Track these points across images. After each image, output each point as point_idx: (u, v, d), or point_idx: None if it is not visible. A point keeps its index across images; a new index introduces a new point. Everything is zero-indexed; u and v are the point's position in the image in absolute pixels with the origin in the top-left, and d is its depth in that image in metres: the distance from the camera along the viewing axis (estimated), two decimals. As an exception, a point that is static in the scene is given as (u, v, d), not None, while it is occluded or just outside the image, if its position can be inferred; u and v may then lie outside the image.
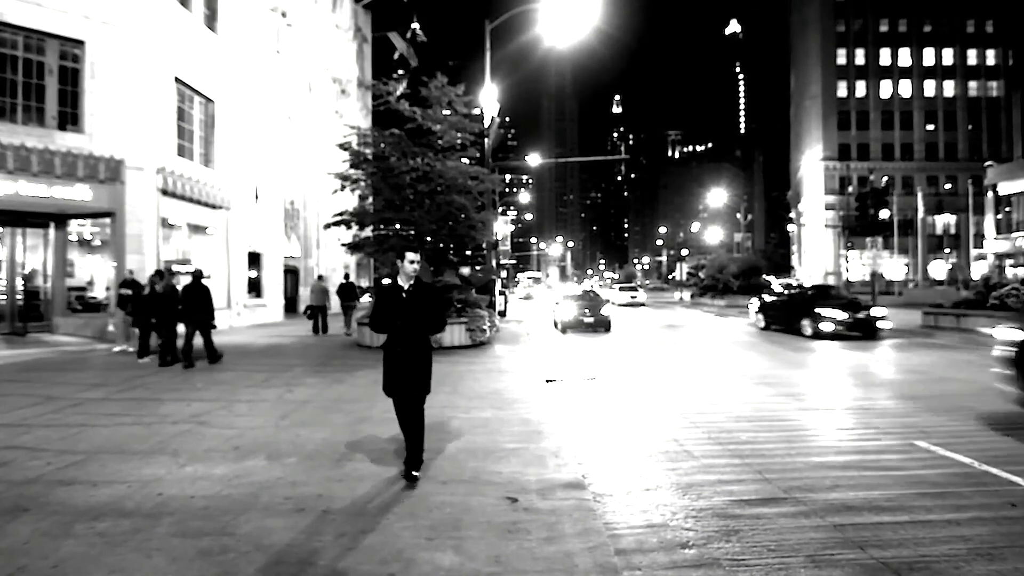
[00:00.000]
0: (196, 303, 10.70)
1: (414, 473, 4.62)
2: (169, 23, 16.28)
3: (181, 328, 10.87)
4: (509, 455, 5.27)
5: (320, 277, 19.90)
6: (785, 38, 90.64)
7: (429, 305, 4.70)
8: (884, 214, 30.40)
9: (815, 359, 12.93)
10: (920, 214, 51.86)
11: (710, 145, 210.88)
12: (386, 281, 4.88)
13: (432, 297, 4.79)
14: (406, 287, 4.64)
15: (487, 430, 6.14)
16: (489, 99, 19.50)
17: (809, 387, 9.57)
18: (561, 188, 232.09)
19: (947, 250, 62.52)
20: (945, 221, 65.81)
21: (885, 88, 67.24)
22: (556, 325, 20.71)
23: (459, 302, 14.16)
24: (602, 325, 19.40)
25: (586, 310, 19.47)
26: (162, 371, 10.12)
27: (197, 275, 10.95)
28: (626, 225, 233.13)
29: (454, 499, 4.23)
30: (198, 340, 10.81)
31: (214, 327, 10.90)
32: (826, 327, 16.27)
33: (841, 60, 67.33)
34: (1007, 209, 45.52)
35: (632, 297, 40.27)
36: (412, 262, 4.64)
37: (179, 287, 11.07)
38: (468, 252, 20.15)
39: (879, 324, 16.56)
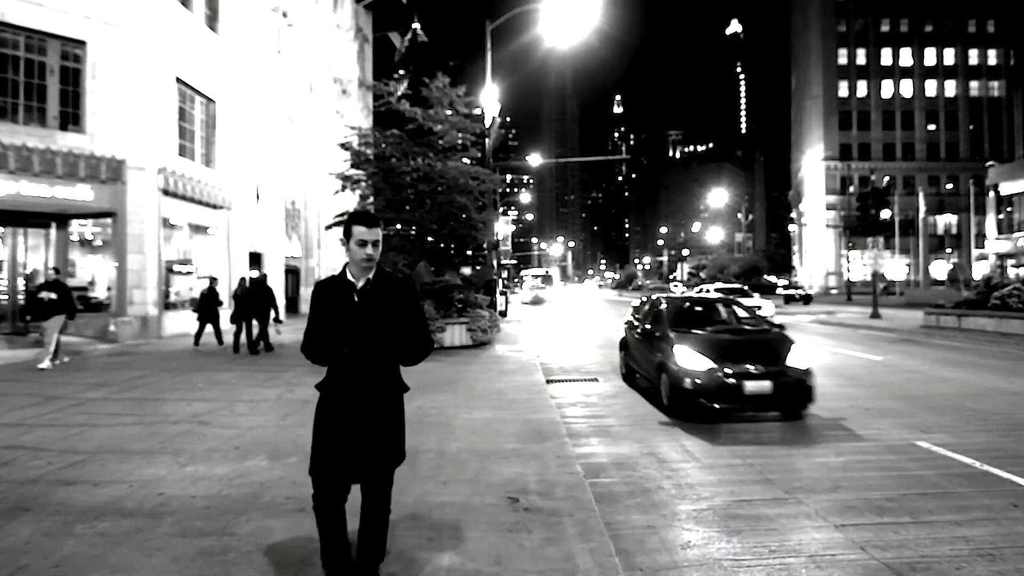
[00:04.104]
0: (263, 301, 12.81)
1: None
2: (170, 23, 16.28)
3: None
4: (510, 455, 5.26)
5: None
6: (786, 38, 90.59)
7: (401, 313, 2.78)
8: (885, 214, 30.37)
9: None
10: (921, 214, 51.77)
11: (711, 145, 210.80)
12: (326, 275, 3.09)
13: (405, 298, 2.83)
14: (359, 284, 2.76)
15: (489, 430, 6.14)
16: (490, 99, 19.51)
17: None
18: (562, 188, 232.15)
19: (948, 250, 62.42)
20: (946, 221, 65.75)
21: (886, 88, 67.18)
22: (634, 376, 9.79)
23: (460, 302, 14.18)
24: (791, 396, 7.12)
25: (742, 353, 7.28)
26: (163, 371, 10.15)
27: (262, 279, 13.34)
28: (627, 225, 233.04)
29: (455, 499, 4.22)
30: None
31: (280, 321, 13.09)
32: None
33: (842, 60, 67.28)
34: (1008, 209, 45.48)
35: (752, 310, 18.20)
36: (365, 243, 2.71)
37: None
38: (469, 252, 20.20)
39: None
